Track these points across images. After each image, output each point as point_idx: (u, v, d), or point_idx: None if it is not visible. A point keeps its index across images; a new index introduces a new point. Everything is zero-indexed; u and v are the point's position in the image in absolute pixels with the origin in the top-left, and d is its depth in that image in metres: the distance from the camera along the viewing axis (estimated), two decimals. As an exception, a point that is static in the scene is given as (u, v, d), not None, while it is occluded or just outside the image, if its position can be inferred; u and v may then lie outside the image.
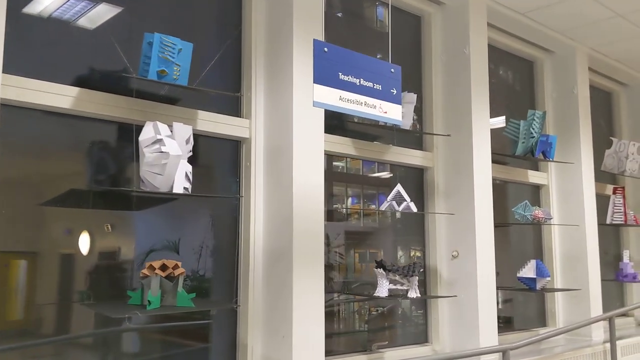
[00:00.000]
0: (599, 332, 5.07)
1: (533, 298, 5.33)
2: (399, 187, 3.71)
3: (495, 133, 5.08)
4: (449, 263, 4.23)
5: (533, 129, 4.67)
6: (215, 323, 3.24)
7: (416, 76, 4.50)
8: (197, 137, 2.98)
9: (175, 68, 2.70)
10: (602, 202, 5.69)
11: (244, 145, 3.32)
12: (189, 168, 2.69)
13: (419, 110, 4.40)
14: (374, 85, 2.74)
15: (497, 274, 4.95)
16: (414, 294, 3.59)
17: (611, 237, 6.31)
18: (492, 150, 4.86)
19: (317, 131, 3.25)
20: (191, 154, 2.75)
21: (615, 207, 5.68)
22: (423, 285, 4.29)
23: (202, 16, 3.35)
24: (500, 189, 5.21)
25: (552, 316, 5.22)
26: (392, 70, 2.85)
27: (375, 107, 2.74)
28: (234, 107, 3.33)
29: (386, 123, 3.61)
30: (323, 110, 3.26)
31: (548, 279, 4.62)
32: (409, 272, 3.56)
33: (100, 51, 2.88)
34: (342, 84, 2.60)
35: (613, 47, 5.48)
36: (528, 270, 4.62)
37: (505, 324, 5.16)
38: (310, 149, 3.19)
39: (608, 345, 4.81)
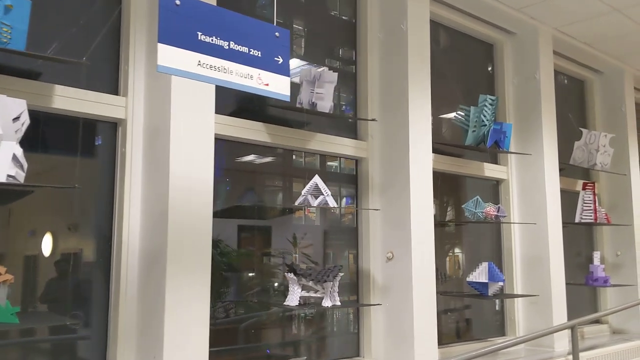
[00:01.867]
0: (562, 342, 4.56)
1: (492, 305, 4.83)
2: (316, 179, 3.20)
3: (450, 122, 4.60)
4: (384, 266, 3.73)
5: (484, 116, 4.17)
6: (85, 342, 2.73)
7: (349, 56, 4.00)
8: (62, 117, 2.49)
9: (4, 30, 2.19)
10: (573, 199, 5.21)
11: (120, 127, 2.82)
12: (18, 151, 2.19)
13: (352, 94, 3.90)
14: (250, 51, 2.24)
15: (445, 278, 4.49)
16: (328, 302, 3.09)
17: (584, 237, 5.82)
18: (441, 141, 4.41)
19: (204, 111, 2.75)
20: (22, 133, 2.24)
21: (584, 205, 5.18)
22: (355, 291, 3.79)
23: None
24: (457, 184, 4.74)
25: (512, 325, 4.72)
26: (277, 34, 2.35)
27: (251, 77, 2.24)
28: (110, 83, 2.83)
29: (305, 106, 3.14)
30: (214, 86, 2.76)
31: (501, 283, 4.13)
32: (323, 278, 3.06)
33: None
34: (201, 47, 2.09)
35: (580, 27, 4.98)
36: (479, 274, 4.13)
37: (462, 333, 4.68)
38: (194, 133, 2.69)
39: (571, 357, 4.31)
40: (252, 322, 3.35)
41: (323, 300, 3.09)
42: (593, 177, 5.86)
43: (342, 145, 3.72)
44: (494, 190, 4.88)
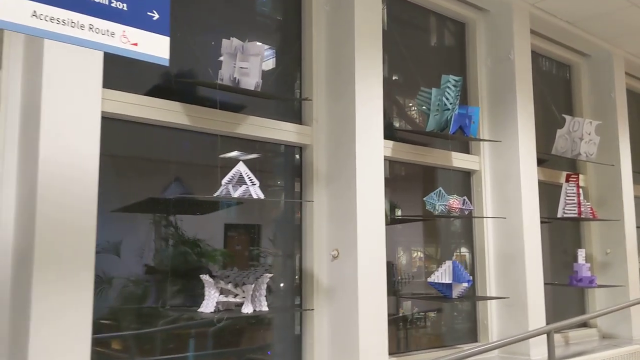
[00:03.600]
0: (540, 348, 4.09)
1: (465, 308, 4.40)
2: (240, 167, 2.79)
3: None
4: (330, 265, 3.31)
5: (447, 98, 3.74)
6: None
7: (295, 29, 3.58)
8: None
9: None
10: (558, 193, 4.77)
11: (-7, 105, 2.41)
12: None
13: (294, 74, 3.49)
14: (111, 2, 1.83)
15: (404, 279, 4.07)
16: (250, 307, 2.67)
17: (570, 234, 5.37)
18: (400, 127, 3.99)
19: (88, 84, 2.34)
20: None
21: (567, 198, 4.74)
22: (299, 294, 3.37)
23: None
24: (427, 176, 4.31)
25: (485, 330, 4.28)
26: (153, -17, 1.93)
27: (113, 35, 1.82)
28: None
29: (227, 82, 2.73)
30: (101, 55, 2.36)
31: (466, 284, 3.70)
32: (242, 280, 2.65)
33: None
34: (37, -6, 1.68)
35: (561, 3, 4.53)
36: (442, 274, 3.71)
37: (430, 339, 4.25)
38: (74, 109, 2.28)
39: (549, 365, 3.87)
40: (169, 331, 2.93)
41: (243, 306, 2.67)
42: (580, 169, 5.41)
43: (282, 131, 3.30)
44: (465, 182, 4.45)
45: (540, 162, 5.00)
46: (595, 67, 5.50)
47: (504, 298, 4.05)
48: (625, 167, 5.26)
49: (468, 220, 4.38)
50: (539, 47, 5.11)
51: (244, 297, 2.66)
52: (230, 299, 2.68)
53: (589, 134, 4.82)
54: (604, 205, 5.27)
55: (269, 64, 3.50)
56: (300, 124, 3.43)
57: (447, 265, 3.70)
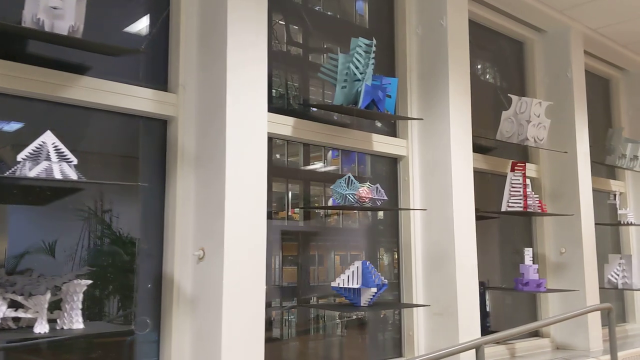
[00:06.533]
0: (474, 365, 3.48)
1: (388, 318, 3.75)
2: (46, 137, 2.11)
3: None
4: (195, 267, 2.64)
5: (356, 67, 3.08)
6: None
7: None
8: None
9: None
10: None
11: None
12: None
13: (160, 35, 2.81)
14: None
15: (315, 285, 3.42)
16: (44, 326, 1.98)
17: (523, 231, 4.76)
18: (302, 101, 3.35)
19: None
20: None
21: (512, 189, 4.10)
22: (157, 302, 2.69)
23: None
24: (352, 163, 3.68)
25: (411, 342, 3.63)
26: None
27: None
28: None
29: (29, 25, 2.06)
30: None
31: (374, 290, 3.04)
32: (29, 290, 1.96)
33: None
34: None
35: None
36: (350, 278, 3.06)
37: (348, 355, 3.61)
38: None
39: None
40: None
41: (37, 323, 1.98)
42: (533, 157, 4.79)
43: (134, 98, 2.62)
44: (392, 169, 3.80)
45: (488, 149, 4.40)
46: (550, 44, 4.88)
47: (425, 306, 3.41)
48: (582, 155, 4.64)
49: (395, 214, 3.74)
50: (487, 20, 4.49)
51: (36, 312, 1.97)
52: (21, 313, 1.99)
53: (538, 116, 4.19)
54: (559, 198, 4.66)
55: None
56: (165, 91, 2.75)
57: (356, 266, 3.05)
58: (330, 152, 3.69)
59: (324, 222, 3.70)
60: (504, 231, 4.70)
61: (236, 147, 2.57)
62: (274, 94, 3.31)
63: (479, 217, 4.13)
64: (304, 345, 3.40)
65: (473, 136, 3.77)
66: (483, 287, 4.28)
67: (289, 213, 3.45)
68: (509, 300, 4.78)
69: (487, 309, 4.47)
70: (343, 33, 3.63)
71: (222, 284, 2.45)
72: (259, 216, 2.62)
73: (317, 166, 3.67)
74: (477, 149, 4.20)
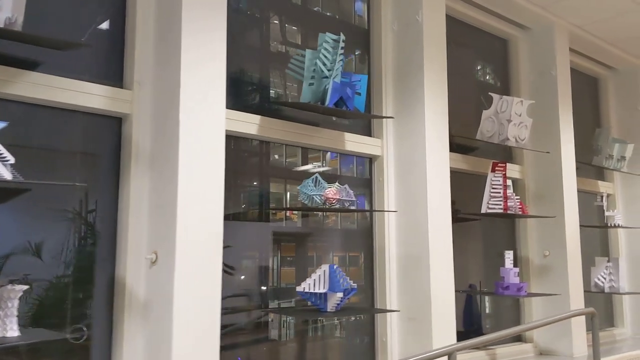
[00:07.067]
0: (448, 372, 3.36)
1: (362, 323, 3.63)
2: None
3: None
4: (148, 271, 2.53)
5: (323, 63, 2.97)
6: None
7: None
8: None
9: None
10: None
11: None
12: None
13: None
14: None
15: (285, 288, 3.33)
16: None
17: (505, 233, 4.64)
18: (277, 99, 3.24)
19: None
20: None
21: (492, 190, 3.99)
22: (110, 307, 2.58)
23: None
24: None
25: (384, 349, 3.52)
26: None
27: None
28: None
29: None
30: None
31: (340, 295, 2.93)
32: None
33: None
34: None
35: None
36: (316, 282, 2.95)
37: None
38: None
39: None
40: None
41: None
42: (516, 158, 4.68)
43: (87, 94, 2.51)
44: (367, 170, 3.69)
45: (471, 149, 4.29)
46: (535, 41, 4.76)
47: (394, 311, 3.30)
48: (567, 156, 4.53)
49: (370, 215, 3.63)
50: (470, 17, 4.39)
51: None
52: (-52, 321, 1.89)
53: (519, 115, 4.08)
54: (543, 199, 4.54)
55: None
56: (120, 88, 2.64)
57: (323, 270, 2.94)
58: (329, 153, 3.61)
59: (306, 223, 3.60)
60: (488, 233, 4.60)
61: (189, 146, 2.46)
62: (242, 92, 3.20)
63: (460, 219, 4.03)
64: (272, 351, 3.29)
65: (454, 136, 3.66)
66: (470, 291, 4.20)
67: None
68: (493, 304, 4.67)
69: (475, 313, 4.38)
70: (318, 28, 3.52)
71: (172, 290, 2.34)
72: (214, 219, 2.51)
73: (309, 167, 3.58)
74: (460, 149, 4.10)
